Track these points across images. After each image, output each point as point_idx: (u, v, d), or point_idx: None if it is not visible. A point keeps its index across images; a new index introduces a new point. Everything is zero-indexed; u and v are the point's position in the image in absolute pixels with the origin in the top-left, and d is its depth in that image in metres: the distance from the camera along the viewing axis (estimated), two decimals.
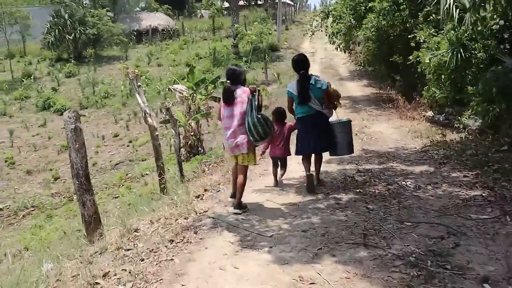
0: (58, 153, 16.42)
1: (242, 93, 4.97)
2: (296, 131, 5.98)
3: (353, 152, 6.13)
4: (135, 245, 4.26)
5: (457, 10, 7.19)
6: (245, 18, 31.19)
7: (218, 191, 6.12)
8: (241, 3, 35.32)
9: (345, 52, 18.24)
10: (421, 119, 11.02)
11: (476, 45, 8.08)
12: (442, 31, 9.43)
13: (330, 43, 17.11)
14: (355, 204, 5.07)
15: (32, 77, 24.38)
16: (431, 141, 8.49)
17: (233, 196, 5.33)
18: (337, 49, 16.97)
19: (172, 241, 4.22)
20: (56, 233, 9.07)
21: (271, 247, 3.95)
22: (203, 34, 34.05)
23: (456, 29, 8.32)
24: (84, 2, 35.94)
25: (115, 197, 11.52)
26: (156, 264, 3.77)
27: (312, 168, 5.82)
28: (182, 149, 11.01)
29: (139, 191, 10.24)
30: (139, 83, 8.15)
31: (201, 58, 26.49)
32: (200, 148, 12.24)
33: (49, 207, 12.16)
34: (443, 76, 8.90)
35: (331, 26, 15.73)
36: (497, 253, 3.55)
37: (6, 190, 13.83)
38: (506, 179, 5.52)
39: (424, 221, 4.38)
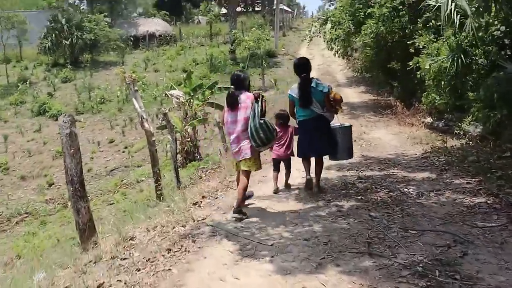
0: (53, 159, 16.25)
1: (246, 99, 4.96)
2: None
3: (352, 157, 6.13)
4: (131, 254, 4.12)
5: (458, 16, 7.14)
6: (242, 24, 31.23)
7: (216, 198, 5.98)
8: (238, 9, 35.34)
9: (343, 58, 18.21)
10: (420, 126, 10.95)
11: (476, 51, 8.04)
12: (442, 37, 9.38)
13: (328, 49, 17.08)
14: (357, 211, 4.93)
15: (28, 82, 24.24)
16: (431, 148, 8.38)
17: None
18: (335, 55, 16.93)
19: (170, 250, 4.07)
20: (50, 241, 8.92)
21: (272, 257, 3.80)
22: (200, 40, 34.01)
23: (457, 35, 8.26)
24: (81, 7, 35.91)
25: (110, 204, 11.38)
26: (153, 274, 3.61)
27: (313, 174, 5.75)
28: (178, 155, 10.89)
29: (134, 198, 10.11)
30: (136, 88, 8.03)
31: (198, 64, 26.45)
32: (196, 154, 12.14)
33: (43, 214, 12.00)
34: (443, 82, 8.85)
35: (330, 32, 15.68)
36: (508, 263, 3.43)
37: (0, 196, 13.63)
38: (510, 186, 5.41)
39: (429, 229, 4.25)
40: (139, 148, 16.11)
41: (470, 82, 8.32)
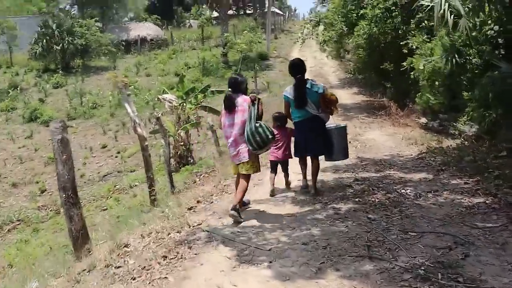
0: (45, 165, 16.03)
1: (243, 102, 4.94)
2: None
3: (348, 158, 6.14)
4: (126, 262, 4.01)
5: (452, 16, 7.11)
6: (234, 28, 31.17)
7: (211, 203, 5.88)
8: (230, 12, 35.29)
9: (336, 59, 18.21)
10: (415, 126, 10.92)
11: (470, 50, 8.01)
12: (435, 37, 9.37)
13: (321, 51, 17.08)
14: (355, 214, 4.86)
15: (18, 88, 23.90)
16: (427, 148, 8.35)
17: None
18: (327, 57, 16.93)
19: (165, 257, 3.97)
20: (42, 249, 8.75)
21: (270, 262, 3.72)
22: (192, 44, 33.90)
23: (451, 35, 8.25)
24: (72, 13, 35.65)
25: (104, 210, 11.22)
26: (149, 283, 3.52)
27: (309, 177, 5.71)
28: (171, 159, 10.78)
29: (128, 203, 9.98)
30: (128, 92, 7.94)
31: (190, 67, 26.31)
32: (190, 158, 12.04)
33: (35, 221, 11.79)
34: (437, 82, 8.83)
35: (322, 34, 15.68)
36: (510, 264, 3.37)
37: None
38: (508, 185, 5.37)
39: (429, 231, 4.19)
40: (132, 153, 15.94)
41: (464, 82, 8.28)
